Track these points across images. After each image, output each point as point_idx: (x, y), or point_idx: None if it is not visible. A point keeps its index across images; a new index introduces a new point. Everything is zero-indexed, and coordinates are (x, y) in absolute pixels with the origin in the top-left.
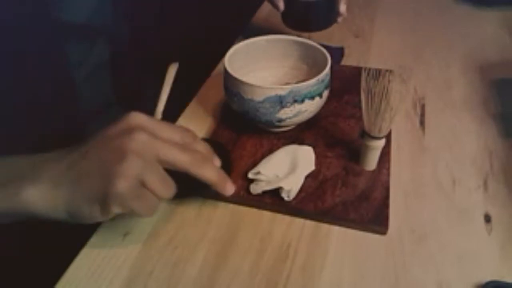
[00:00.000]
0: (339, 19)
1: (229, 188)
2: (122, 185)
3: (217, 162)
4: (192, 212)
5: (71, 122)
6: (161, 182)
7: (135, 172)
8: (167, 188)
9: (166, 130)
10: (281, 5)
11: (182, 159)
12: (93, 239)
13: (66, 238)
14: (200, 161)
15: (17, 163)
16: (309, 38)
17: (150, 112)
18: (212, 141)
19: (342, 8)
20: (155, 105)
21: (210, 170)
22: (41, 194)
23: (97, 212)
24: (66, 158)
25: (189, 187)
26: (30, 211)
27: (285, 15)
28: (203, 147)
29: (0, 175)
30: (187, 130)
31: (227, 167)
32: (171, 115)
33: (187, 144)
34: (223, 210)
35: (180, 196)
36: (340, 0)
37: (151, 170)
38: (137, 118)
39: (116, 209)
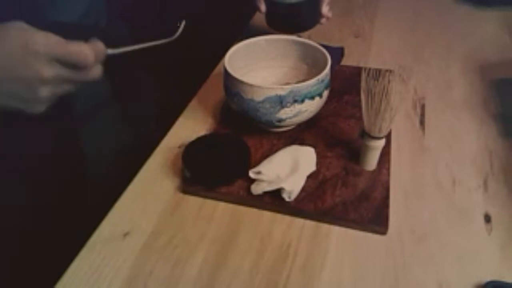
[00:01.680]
0: (323, 20)
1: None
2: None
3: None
4: (192, 212)
5: (66, 121)
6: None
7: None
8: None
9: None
10: (262, 7)
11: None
12: (93, 239)
13: (66, 238)
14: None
15: None
16: (309, 38)
17: (146, 110)
18: (231, 136)
19: (325, 9)
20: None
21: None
22: None
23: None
24: None
25: (219, 176)
26: None
27: (268, 17)
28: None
29: None
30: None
31: (246, 162)
32: (172, 115)
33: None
34: (223, 210)
35: (211, 184)
36: (323, 1)
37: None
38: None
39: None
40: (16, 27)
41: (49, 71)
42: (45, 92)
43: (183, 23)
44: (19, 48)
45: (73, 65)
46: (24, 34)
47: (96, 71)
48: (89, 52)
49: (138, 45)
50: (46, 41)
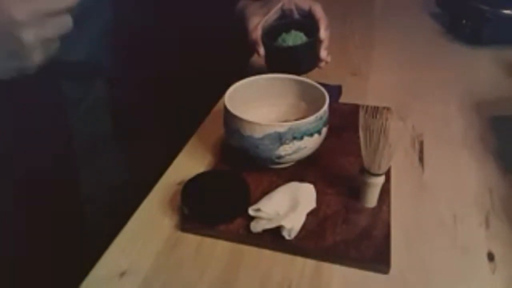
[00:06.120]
0: (321, 64)
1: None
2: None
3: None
4: (191, 251)
5: (64, 160)
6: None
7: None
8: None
9: None
10: (261, 51)
11: None
12: (89, 278)
13: (62, 277)
14: None
15: None
16: (307, 76)
17: (146, 148)
18: (230, 173)
19: (323, 53)
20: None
21: None
22: None
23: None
24: None
25: (221, 211)
26: None
27: (267, 60)
28: None
29: None
30: None
31: (245, 200)
32: (172, 151)
33: None
34: (222, 249)
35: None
36: (321, 45)
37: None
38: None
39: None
40: None
41: (22, 10)
42: (30, 35)
43: None
44: None
45: None
46: None
47: None
48: None
49: None
50: None
